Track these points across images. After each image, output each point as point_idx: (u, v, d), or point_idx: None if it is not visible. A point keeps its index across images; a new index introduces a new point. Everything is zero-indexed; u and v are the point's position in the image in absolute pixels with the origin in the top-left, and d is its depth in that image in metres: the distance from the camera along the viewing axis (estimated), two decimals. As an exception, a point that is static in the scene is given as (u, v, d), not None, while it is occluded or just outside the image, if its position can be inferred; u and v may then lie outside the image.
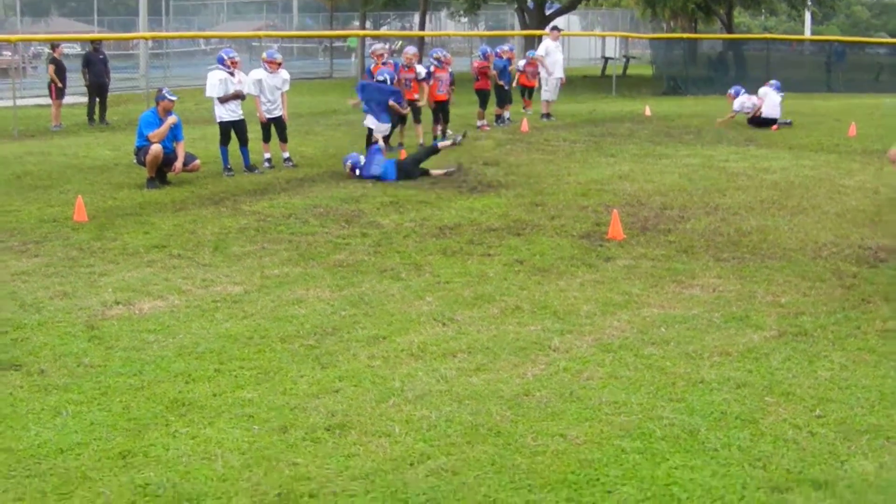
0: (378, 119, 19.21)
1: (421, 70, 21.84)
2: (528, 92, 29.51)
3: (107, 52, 31.85)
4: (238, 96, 18.14)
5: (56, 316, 8.97)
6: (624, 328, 8.53)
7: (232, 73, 18.10)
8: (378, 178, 17.11)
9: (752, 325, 8.59)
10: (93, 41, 31.04)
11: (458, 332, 8.42)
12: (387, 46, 22.31)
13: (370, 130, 19.47)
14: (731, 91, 27.05)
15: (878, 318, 8.79)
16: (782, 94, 26.03)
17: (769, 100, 25.57)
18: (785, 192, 15.81)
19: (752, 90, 26.78)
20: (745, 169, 18.17)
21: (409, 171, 17.42)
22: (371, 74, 20.78)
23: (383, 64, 20.92)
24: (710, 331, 8.44)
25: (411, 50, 22.22)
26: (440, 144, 18.57)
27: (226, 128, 18.09)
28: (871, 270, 10.63)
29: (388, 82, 19.95)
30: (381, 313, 8.98)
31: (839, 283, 10.05)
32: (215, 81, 18.01)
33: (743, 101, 26.07)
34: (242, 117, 18.25)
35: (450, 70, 22.66)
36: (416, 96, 21.59)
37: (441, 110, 22.40)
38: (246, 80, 18.44)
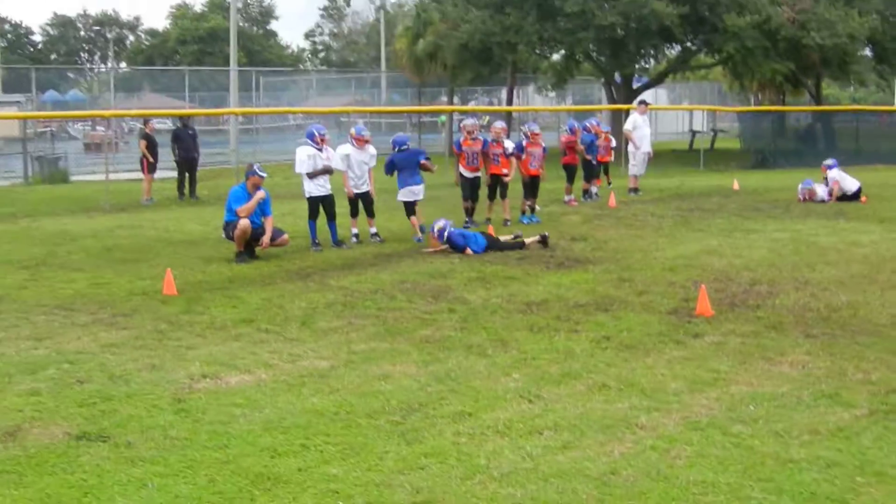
0: (411, 184, 19.30)
1: (509, 145, 21.63)
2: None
3: (197, 128, 32.34)
4: (326, 171, 18.29)
5: (144, 388, 9.04)
6: (712, 406, 8.42)
7: (320, 149, 18.27)
8: (462, 249, 17.22)
9: (843, 403, 8.45)
10: (181, 117, 31.56)
11: (544, 409, 8.36)
12: (477, 122, 22.10)
13: (408, 205, 19.48)
14: (828, 163, 26.69)
15: (974, 396, 8.63)
16: (839, 167, 26.04)
17: (840, 178, 25.44)
18: (875, 266, 15.61)
19: (843, 162, 26.53)
20: (835, 243, 17.97)
21: (497, 245, 17.55)
22: (460, 148, 20.92)
23: (473, 140, 20.88)
24: (800, 409, 8.31)
25: (499, 125, 22.12)
26: (528, 241, 18.26)
27: (314, 203, 18.24)
28: (965, 347, 10.45)
29: (473, 157, 20.31)
30: (467, 389, 8.95)
31: (932, 360, 9.88)
32: (304, 157, 18.19)
33: (823, 190, 25.79)
34: (331, 192, 18.40)
35: (543, 145, 22.53)
36: (504, 171, 21.33)
37: (532, 185, 22.27)
38: (334, 156, 18.60)
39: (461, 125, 22.49)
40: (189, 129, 29.69)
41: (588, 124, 26.40)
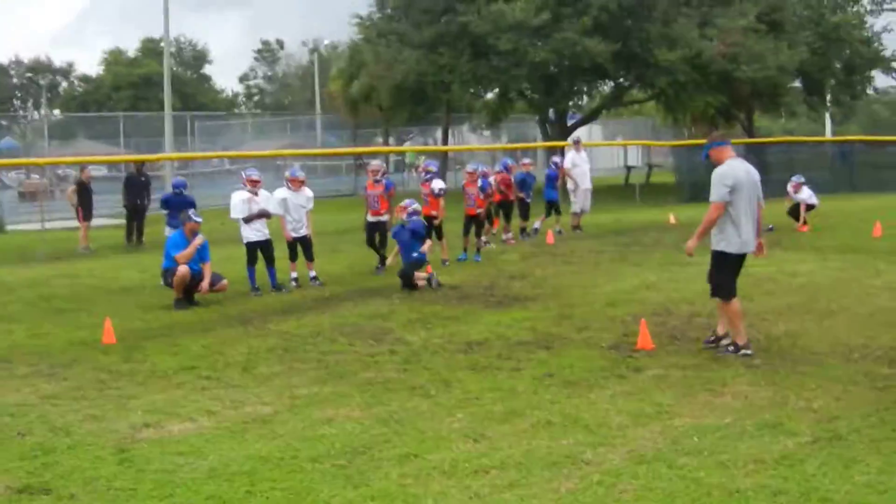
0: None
1: (436, 185, 21.39)
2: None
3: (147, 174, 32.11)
4: (262, 215, 18.24)
5: (86, 439, 8.95)
6: (656, 439, 8.46)
7: (255, 193, 18.23)
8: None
9: (786, 432, 8.51)
10: (135, 163, 31.41)
11: (489, 448, 8.36)
12: (382, 164, 21.65)
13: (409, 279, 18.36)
14: (794, 180, 27.23)
15: (914, 421, 8.73)
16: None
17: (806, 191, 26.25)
18: (813, 295, 15.80)
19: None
20: (772, 273, 18.13)
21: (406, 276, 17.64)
22: (366, 191, 20.52)
23: (375, 182, 20.49)
24: (744, 439, 8.36)
25: (426, 164, 22.02)
26: (419, 280, 18.19)
27: (252, 248, 18.19)
28: (903, 372, 10.57)
29: (374, 200, 20.11)
30: (411, 431, 8.93)
31: (872, 386, 9.99)
32: (238, 202, 18.14)
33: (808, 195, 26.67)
34: (269, 237, 18.35)
35: (480, 183, 22.51)
36: (433, 212, 21.03)
37: (469, 224, 22.22)
38: (269, 200, 18.54)
39: (366, 167, 21.78)
40: (142, 175, 29.62)
41: (522, 162, 26.47)
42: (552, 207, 27.66)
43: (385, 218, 20.44)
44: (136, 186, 28.75)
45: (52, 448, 8.72)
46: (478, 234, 22.42)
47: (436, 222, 21.07)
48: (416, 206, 18.91)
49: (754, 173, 12.02)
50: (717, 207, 11.72)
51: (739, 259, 11.92)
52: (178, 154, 45.98)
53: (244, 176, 18.53)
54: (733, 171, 11.81)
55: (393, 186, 20.95)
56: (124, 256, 25.37)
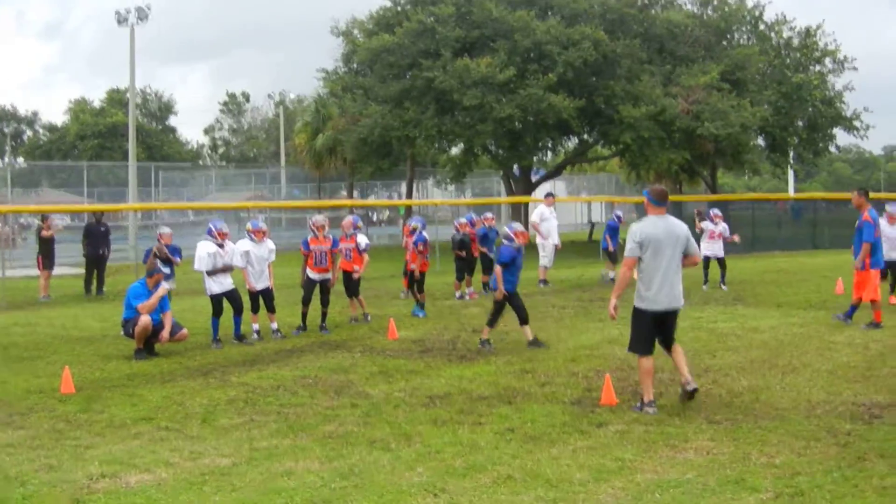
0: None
1: (362, 240, 21.21)
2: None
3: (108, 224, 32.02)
4: (227, 269, 18.16)
5: (41, 490, 8.83)
6: (618, 495, 8.41)
7: (221, 245, 18.14)
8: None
9: (748, 488, 8.48)
10: (94, 212, 31.29)
11: (449, 503, 8.29)
12: (327, 219, 21.18)
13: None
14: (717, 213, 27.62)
15: (875, 475, 8.70)
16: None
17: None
18: (775, 350, 15.83)
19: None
20: (734, 329, 18.21)
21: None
22: (308, 247, 20.02)
23: (322, 238, 19.96)
24: (706, 495, 8.32)
25: (349, 219, 21.78)
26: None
27: (217, 299, 18.08)
28: (865, 427, 10.57)
29: (321, 256, 19.91)
30: (371, 485, 8.85)
31: (834, 442, 9.97)
32: (203, 254, 18.03)
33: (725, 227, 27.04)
34: (233, 286, 18.25)
35: (415, 238, 22.51)
36: (354, 267, 20.90)
37: (411, 278, 22.26)
38: (235, 252, 18.45)
39: (311, 222, 21.19)
40: (101, 224, 29.48)
41: (457, 223, 26.44)
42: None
43: (330, 275, 20.18)
44: (95, 236, 28.62)
45: (7, 498, 8.60)
46: (419, 290, 22.32)
47: (355, 276, 20.92)
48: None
49: (676, 230, 11.92)
50: (626, 263, 11.95)
51: (652, 316, 11.88)
52: (141, 205, 45.87)
53: (213, 228, 18.43)
54: (644, 228, 11.83)
55: (339, 244, 20.62)
56: (84, 306, 25.22)
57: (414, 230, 22.97)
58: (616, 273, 28.24)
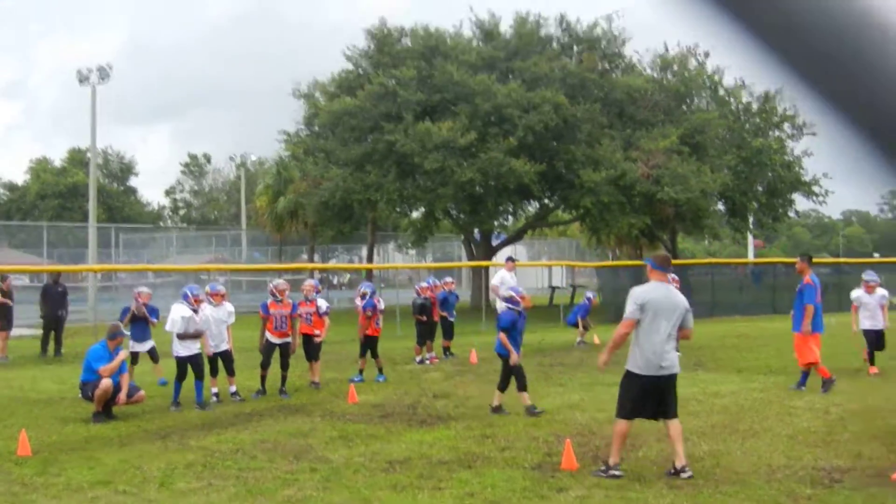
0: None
1: (322, 304, 21.14)
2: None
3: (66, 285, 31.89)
4: (198, 335, 18.13)
5: (-4, 556, 8.76)
6: (578, 562, 8.40)
7: (196, 311, 18.11)
8: None
9: (708, 556, 8.49)
10: (52, 273, 31.18)
11: (409, 569, 8.27)
12: (287, 283, 20.89)
13: None
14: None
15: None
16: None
17: None
18: (735, 415, 15.92)
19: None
20: (695, 394, 18.27)
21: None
22: (267, 311, 19.83)
23: (281, 302, 19.82)
24: (666, 563, 8.33)
25: (309, 282, 21.75)
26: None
27: (183, 363, 18.01)
28: (825, 491, 10.65)
29: (282, 321, 19.79)
30: (330, 550, 8.81)
31: (794, 508, 10.01)
32: (178, 317, 17.96)
33: None
34: (199, 352, 18.21)
35: (363, 304, 22.46)
36: (315, 331, 20.70)
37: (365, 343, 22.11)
38: (208, 320, 18.41)
39: (271, 286, 20.95)
40: (59, 286, 29.38)
41: (418, 287, 26.47)
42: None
43: (290, 339, 20.04)
44: (52, 297, 28.53)
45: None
46: (374, 355, 22.03)
47: (316, 340, 20.74)
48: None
49: (676, 299, 12.01)
50: (624, 324, 11.86)
51: (644, 381, 11.80)
52: (100, 266, 45.65)
53: (188, 293, 18.38)
54: (647, 292, 11.88)
55: (298, 308, 20.49)
56: (42, 367, 25.06)
57: (364, 295, 22.94)
58: (584, 337, 28.59)
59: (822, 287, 19.64)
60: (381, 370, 21.84)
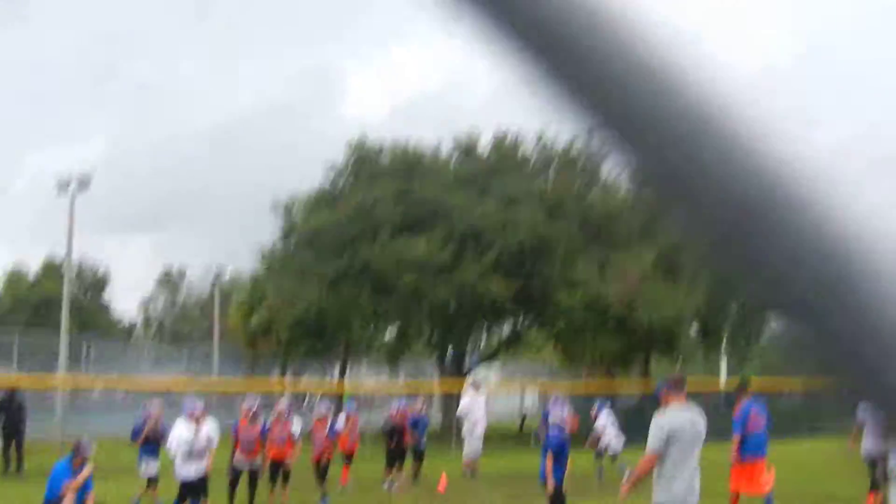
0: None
1: (297, 427, 20.70)
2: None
3: (25, 397, 31.65)
4: (201, 455, 17.86)
5: None
6: None
7: (197, 430, 17.84)
8: None
9: None
10: (8, 388, 30.96)
11: None
12: (258, 403, 20.51)
13: None
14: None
15: None
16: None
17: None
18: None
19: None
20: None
21: None
22: (237, 433, 19.69)
23: (251, 423, 19.75)
24: None
25: (283, 404, 21.32)
26: None
27: (186, 486, 17.78)
28: None
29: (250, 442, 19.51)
30: None
31: None
32: (181, 439, 17.67)
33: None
34: (205, 474, 17.95)
35: (326, 427, 22.26)
36: (286, 455, 20.28)
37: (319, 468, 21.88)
38: (210, 435, 18.13)
39: (242, 406, 20.68)
40: (15, 401, 29.09)
41: (394, 409, 26.38)
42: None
43: (259, 462, 19.76)
44: (9, 411, 28.29)
45: None
46: (321, 477, 21.81)
47: (288, 462, 20.39)
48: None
49: (700, 427, 11.65)
50: (649, 460, 11.43)
51: None
52: (70, 377, 45.26)
53: (189, 410, 18.14)
54: (672, 421, 11.36)
55: (268, 430, 20.13)
56: (8, 486, 24.76)
57: (326, 420, 22.71)
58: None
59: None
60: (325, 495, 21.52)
